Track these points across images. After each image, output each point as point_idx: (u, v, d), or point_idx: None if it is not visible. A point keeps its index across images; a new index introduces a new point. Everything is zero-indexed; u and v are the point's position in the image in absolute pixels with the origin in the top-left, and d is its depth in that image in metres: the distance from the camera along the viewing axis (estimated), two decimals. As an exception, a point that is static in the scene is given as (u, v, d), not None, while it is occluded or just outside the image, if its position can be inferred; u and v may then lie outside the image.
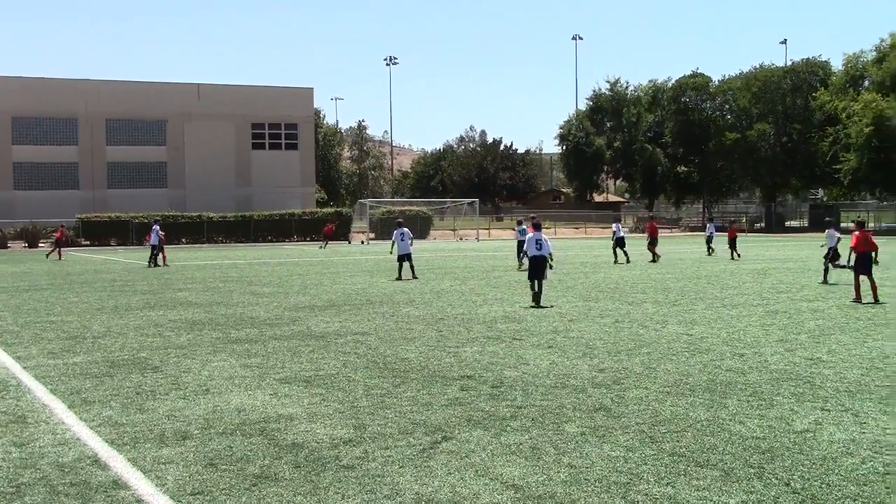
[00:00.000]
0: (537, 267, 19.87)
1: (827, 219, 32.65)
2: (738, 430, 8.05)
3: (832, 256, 25.08)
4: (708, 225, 45.75)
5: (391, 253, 29.52)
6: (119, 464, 7.21)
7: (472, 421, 8.51)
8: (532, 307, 19.11)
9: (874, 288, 19.36)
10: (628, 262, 34.93)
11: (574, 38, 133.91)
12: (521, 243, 28.96)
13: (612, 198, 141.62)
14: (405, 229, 28.49)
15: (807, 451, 7.36)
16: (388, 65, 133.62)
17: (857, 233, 19.92)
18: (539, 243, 20.04)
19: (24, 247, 68.20)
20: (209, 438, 7.99)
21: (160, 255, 37.64)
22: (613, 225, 39.47)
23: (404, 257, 27.81)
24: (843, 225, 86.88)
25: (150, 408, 9.31)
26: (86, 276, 31.68)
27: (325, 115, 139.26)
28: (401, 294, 22.57)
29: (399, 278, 27.36)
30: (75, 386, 10.59)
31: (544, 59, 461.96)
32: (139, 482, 6.72)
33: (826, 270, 25.26)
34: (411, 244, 28.41)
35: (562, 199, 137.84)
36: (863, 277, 19.56)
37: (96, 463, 7.27)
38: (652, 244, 37.51)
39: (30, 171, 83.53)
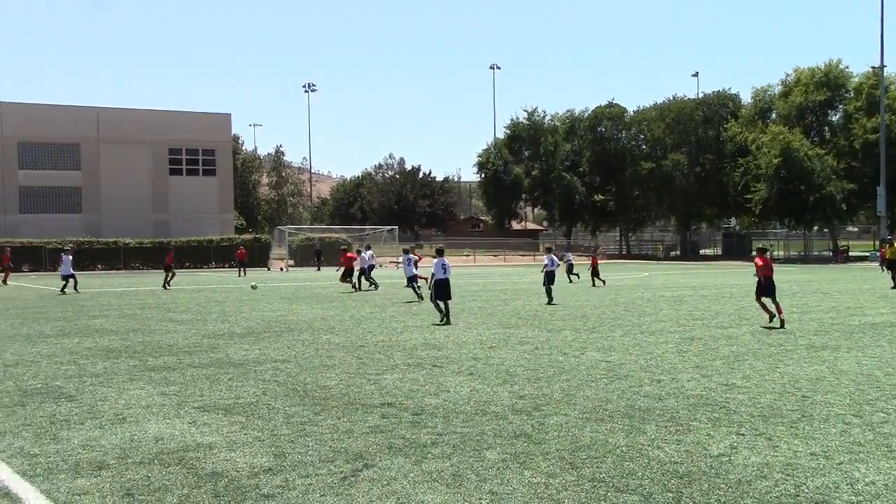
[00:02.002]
0: (444, 289, 21.84)
1: (547, 245, 35.90)
2: (656, 455, 8.16)
3: (550, 279, 28.63)
4: (566, 254, 46.85)
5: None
6: (32, 495, 7.03)
7: (393, 448, 8.48)
8: (441, 324, 20.85)
9: (780, 310, 20.10)
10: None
11: (492, 68, 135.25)
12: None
13: (531, 225, 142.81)
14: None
15: (723, 474, 7.49)
16: (306, 91, 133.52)
17: (759, 259, 20.75)
18: (444, 267, 22.09)
19: (-68, 273, 66.19)
20: (126, 468, 7.82)
21: (72, 283, 36.88)
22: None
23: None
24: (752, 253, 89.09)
25: (64, 437, 9.09)
26: (-4, 303, 30.87)
27: (243, 142, 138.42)
28: (320, 321, 22.44)
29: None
30: (-14, 416, 10.31)
31: (462, 87, 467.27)
32: (53, 514, 6.57)
33: (549, 291, 28.39)
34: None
35: (481, 226, 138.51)
36: (767, 300, 20.40)
37: (7, 495, 7.08)
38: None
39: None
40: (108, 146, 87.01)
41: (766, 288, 20.43)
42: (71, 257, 37.93)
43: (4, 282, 46.26)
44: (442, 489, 7.11)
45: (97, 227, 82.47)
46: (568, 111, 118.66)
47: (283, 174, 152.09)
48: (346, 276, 37.35)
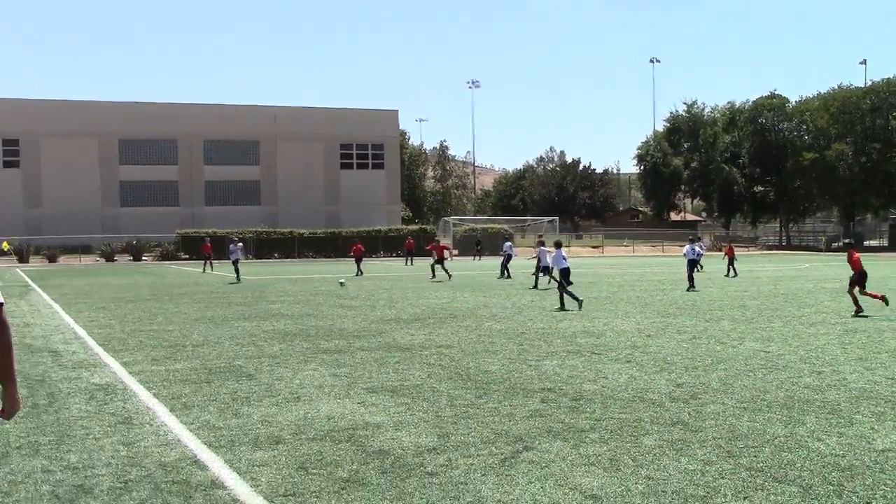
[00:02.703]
0: (568, 275, 22.77)
1: (689, 237, 36.05)
2: (816, 447, 7.86)
3: (691, 267, 30.58)
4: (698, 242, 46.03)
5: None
6: (217, 465, 7.34)
7: (552, 432, 8.46)
8: (578, 309, 21.65)
9: (872, 295, 20.69)
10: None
11: (651, 61, 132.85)
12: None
13: (690, 216, 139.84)
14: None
15: (888, 470, 7.13)
16: (470, 88, 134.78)
17: (854, 253, 21.22)
18: (565, 258, 22.99)
19: (129, 260, 69.90)
20: (300, 443, 8.07)
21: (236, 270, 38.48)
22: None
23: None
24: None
25: (245, 413, 9.46)
26: (185, 289, 32.30)
27: (409, 136, 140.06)
28: (483, 309, 22.57)
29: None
30: (176, 391, 10.81)
31: (621, 81, 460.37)
32: (235, 483, 6.83)
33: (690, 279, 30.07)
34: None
35: (640, 217, 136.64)
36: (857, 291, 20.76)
37: (195, 463, 7.41)
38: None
39: (134, 190, 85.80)
40: (285, 143, 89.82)
41: (862, 280, 20.61)
42: (240, 245, 39.44)
43: (209, 268, 48.61)
44: (599, 473, 7.06)
45: (274, 218, 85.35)
46: (728, 103, 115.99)
47: (448, 167, 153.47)
48: (437, 264, 38.64)
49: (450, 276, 37.39)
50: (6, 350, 4.60)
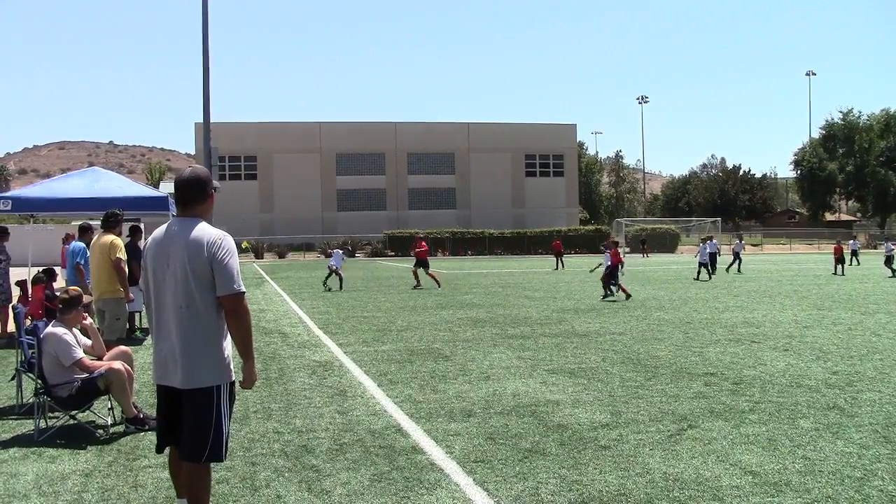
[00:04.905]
0: (615, 275, 23.12)
1: (888, 235, 34.06)
2: (972, 433, 7.28)
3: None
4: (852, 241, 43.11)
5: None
6: (417, 433, 7.50)
7: (714, 412, 8.20)
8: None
9: (624, 290, 22.52)
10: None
11: (807, 74, 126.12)
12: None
13: (844, 217, 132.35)
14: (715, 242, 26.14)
15: None
16: (640, 103, 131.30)
17: (615, 251, 23.31)
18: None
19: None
20: (489, 417, 8.13)
21: (339, 278, 28.49)
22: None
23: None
24: None
25: (441, 389, 9.61)
26: (391, 281, 33.09)
27: (586, 147, 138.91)
28: (652, 300, 22.08)
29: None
30: (383, 369, 11.11)
31: (777, 93, 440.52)
32: (433, 449, 6.97)
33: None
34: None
35: (796, 218, 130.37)
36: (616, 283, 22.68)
37: (399, 431, 7.59)
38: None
39: (349, 197, 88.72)
40: (477, 154, 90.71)
41: (614, 273, 22.55)
42: (341, 252, 30.30)
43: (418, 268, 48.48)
44: (758, 451, 6.80)
45: (467, 220, 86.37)
46: (883, 110, 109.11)
47: (621, 174, 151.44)
48: (418, 266, 28.98)
49: (433, 279, 28.36)
50: (247, 332, 4.84)
